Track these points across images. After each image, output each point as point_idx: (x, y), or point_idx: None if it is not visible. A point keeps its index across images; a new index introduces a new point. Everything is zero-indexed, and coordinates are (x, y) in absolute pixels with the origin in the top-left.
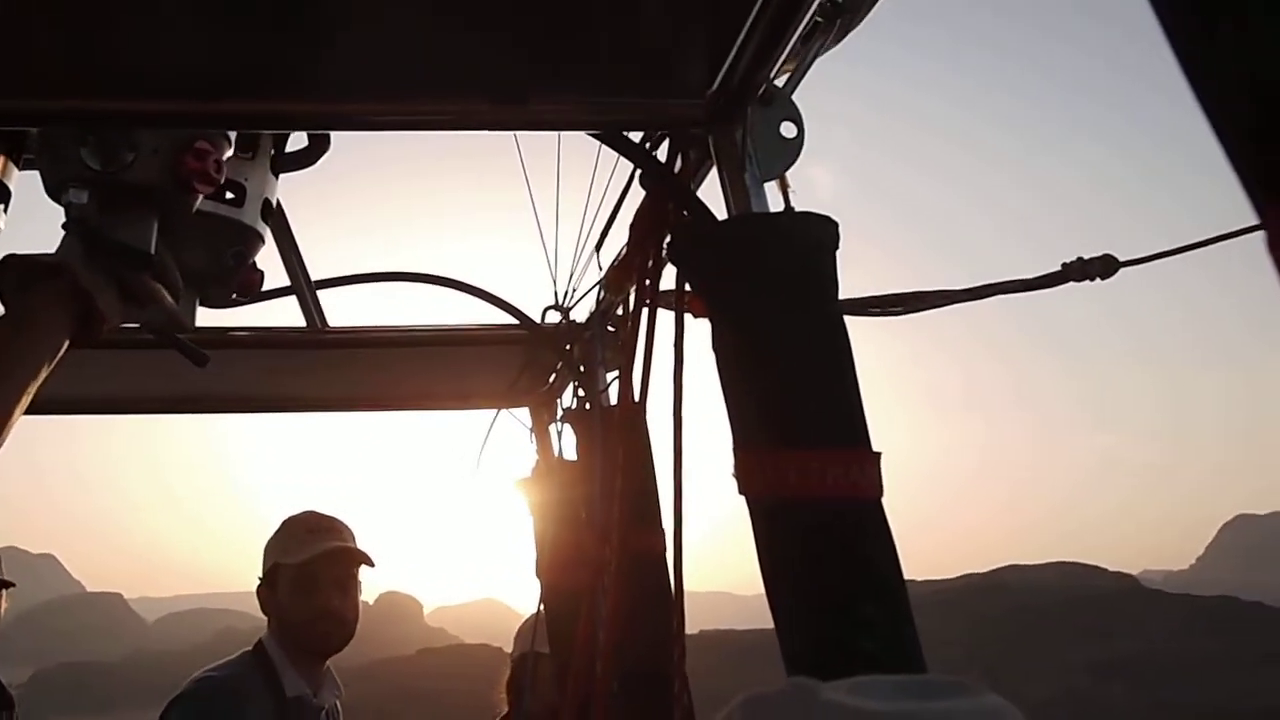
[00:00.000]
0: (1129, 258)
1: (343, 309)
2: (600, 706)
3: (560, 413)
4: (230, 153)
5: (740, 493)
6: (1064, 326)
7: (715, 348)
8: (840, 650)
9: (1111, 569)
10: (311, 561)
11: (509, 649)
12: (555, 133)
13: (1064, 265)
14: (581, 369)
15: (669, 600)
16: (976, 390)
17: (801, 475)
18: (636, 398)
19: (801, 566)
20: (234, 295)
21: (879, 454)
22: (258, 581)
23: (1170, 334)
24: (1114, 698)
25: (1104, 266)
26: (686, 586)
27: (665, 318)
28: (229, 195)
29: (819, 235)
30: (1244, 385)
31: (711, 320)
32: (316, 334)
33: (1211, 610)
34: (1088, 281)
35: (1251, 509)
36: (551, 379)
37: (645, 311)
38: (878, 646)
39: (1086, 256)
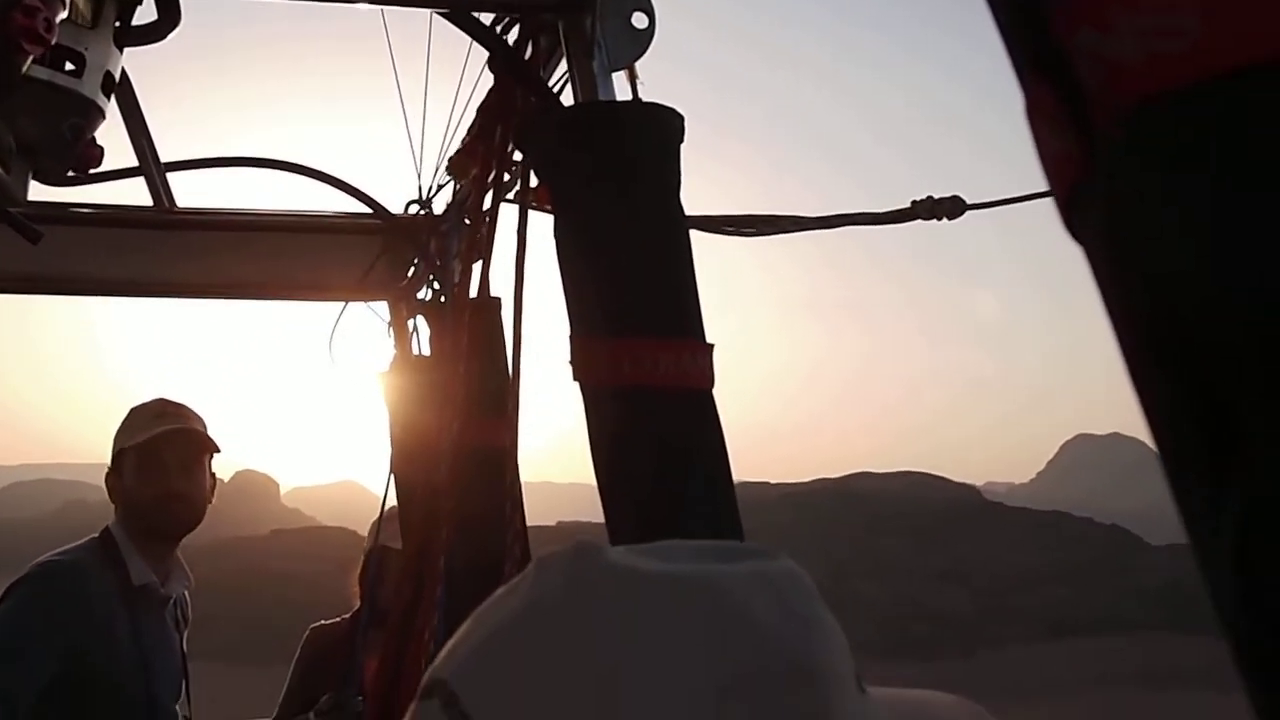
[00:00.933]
0: (976, 201)
1: (198, 194)
2: (430, 600)
3: (417, 307)
4: (64, 14)
5: (575, 379)
6: (954, 247)
7: (556, 236)
8: (663, 531)
9: (957, 480)
10: (154, 441)
11: (365, 533)
12: (417, 11)
13: (914, 203)
14: (438, 262)
15: (515, 492)
16: (858, 302)
17: (634, 364)
18: (489, 290)
19: (630, 452)
20: (71, 171)
21: (711, 346)
22: (107, 470)
23: (1018, 259)
24: (951, 603)
25: (953, 207)
26: (548, 479)
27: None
28: (68, 66)
29: (664, 126)
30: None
31: (554, 207)
32: (163, 214)
33: (1046, 524)
34: (935, 220)
35: (1091, 429)
36: (410, 273)
37: (496, 202)
38: (700, 526)
39: (937, 196)
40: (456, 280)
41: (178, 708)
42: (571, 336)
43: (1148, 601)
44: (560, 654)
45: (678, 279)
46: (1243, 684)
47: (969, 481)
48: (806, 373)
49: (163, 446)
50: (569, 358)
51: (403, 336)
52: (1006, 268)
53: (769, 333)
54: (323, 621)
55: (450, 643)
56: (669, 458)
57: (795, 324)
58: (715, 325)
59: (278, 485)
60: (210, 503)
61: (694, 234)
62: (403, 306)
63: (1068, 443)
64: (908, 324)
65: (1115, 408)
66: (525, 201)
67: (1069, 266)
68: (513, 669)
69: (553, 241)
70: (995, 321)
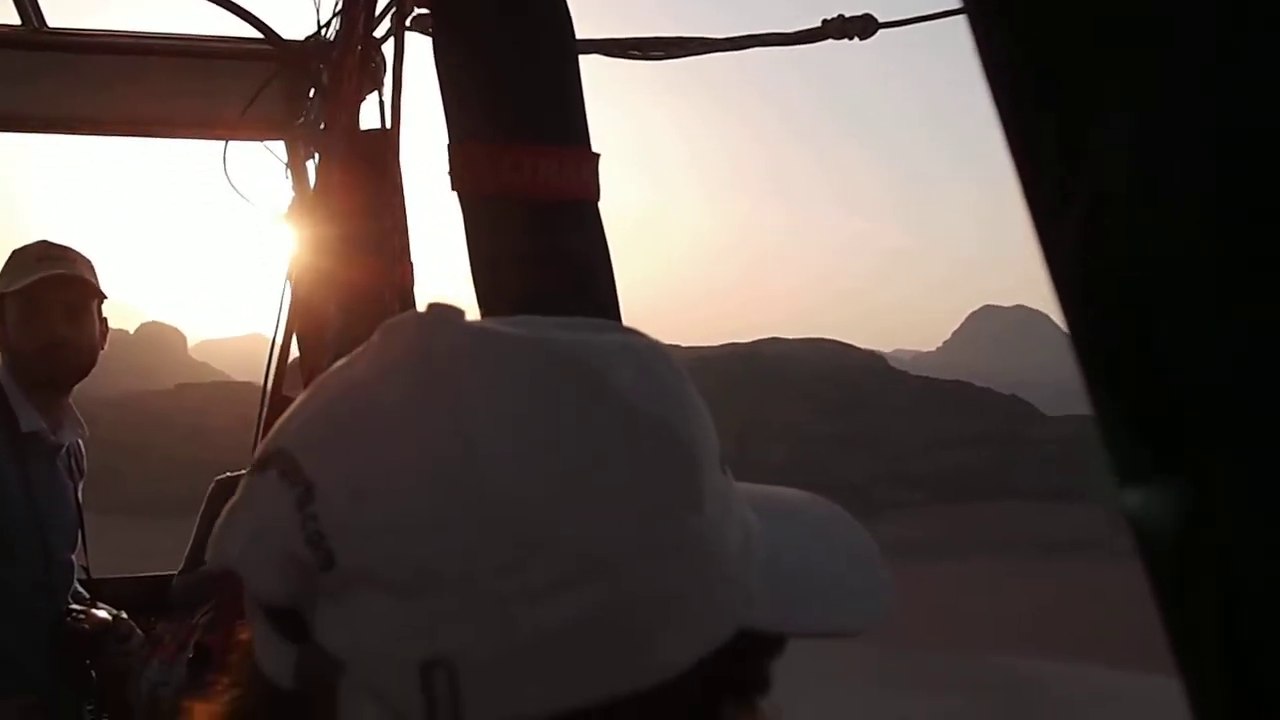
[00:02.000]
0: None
1: (72, 13)
2: None
3: (314, 144)
4: None
5: (453, 189)
6: (874, 118)
7: (436, 50)
8: None
9: (864, 347)
10: (34, 286)
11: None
12: None
13: (824, 22)
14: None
15: None
16: (778, 172)
17: (515, 169)
18: (387, 123)
19: (510, 265)
20: None
21: (597, 155)
22: None
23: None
24: (849, 466)
25: (864, 26)
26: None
27: (421, 41)
28: None
29: None
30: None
31: (435, 22)
32: (32, 34)
33: (948, 393)
34: (847, 40)
35: (998, 301)
36: (308, 111)
37: (394, 28)
38: None
39: (848, 14)
40: (354, 113)
41: (73, 558)
42: (449, 144)
43: (1042, 470)
44: (414, 417)
45: (563, 87)
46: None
47: (876, 349)
48: (725, 241)
49: (45, 292)
50: (447, 167)
51: (300, 177)
52: (926, 141)
53: (688, 201)
54: (229, 474)
55: (285, 415)
56: (550, 270)
57: (716, 193)
58: (633, 192)
59: (184, 338)
60: (102, 349)
61: (607, 74)
62: (299, 145)
63: (974, 313)
64: (826, 194)
65: (1022, 281)
66: (402, 27)
67: (987, 142)
68: (360, 433)
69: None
70: (912, 195)
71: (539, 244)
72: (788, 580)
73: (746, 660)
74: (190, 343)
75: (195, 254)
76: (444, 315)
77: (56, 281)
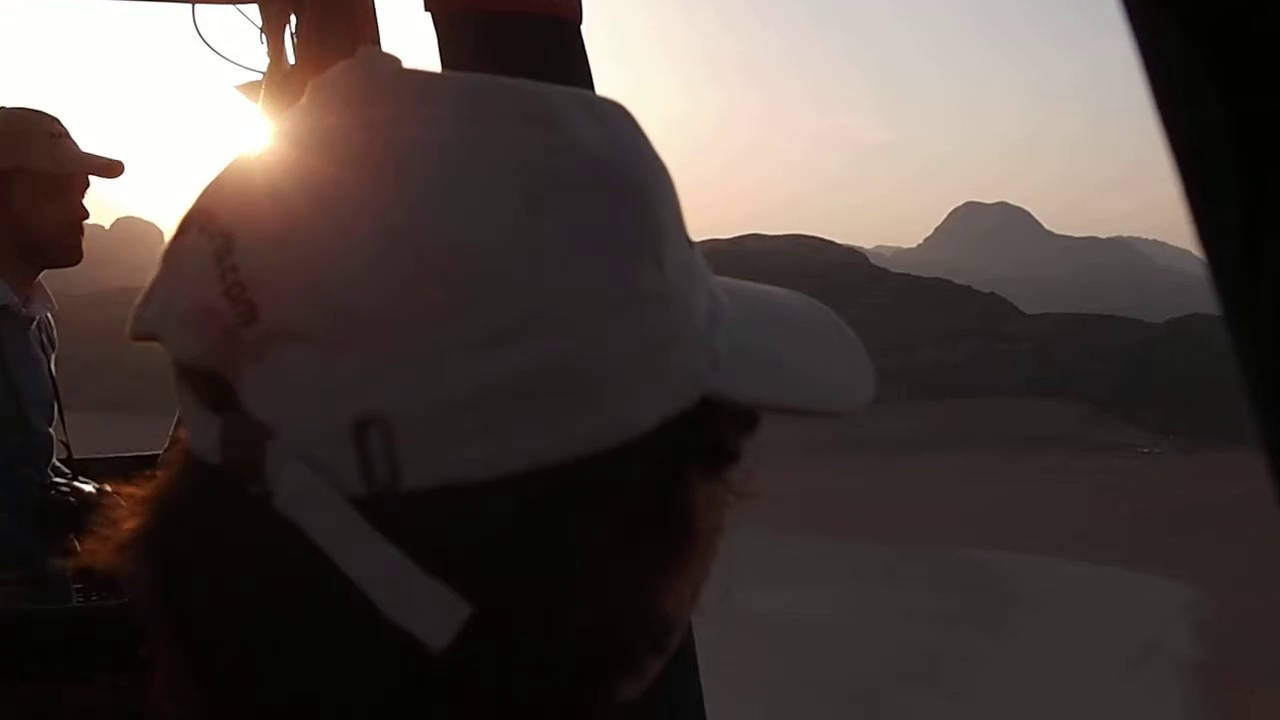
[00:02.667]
0: None
1: None
2: None
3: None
4: None
5: (426, 9)
6: (849, 11)
7: None
8: None
9: (844, 244)
10: (73, 167)
11: None
12: None
13: None
14: None
15: None
16: (755, 64)
17: None
18: None
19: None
20: None
21: None
22: None
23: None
24: None
25: None
26: None
27: None
28: None
29: None
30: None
31: None
32: None
33: (928, 290)
34: None
35: (980, 197)
36: None
37: None
38: None
39: None
40: None
41: (52, 431)
42: None
43: (1020, 366)
44: (341, 157)
45: None
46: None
47: (858, 245)
48: (703, 134)
49: (78, 172)
50: None
51: (277, 44)
52: (904, 35)
53: (665, 91)
54: None
55: (211, 178)
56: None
57: (692, 83)
58: (610, 79)
59: (162, 233)
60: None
61: None
62: (274, 7)
63: (956, 210)
64: (804, 88)
65: (1004, 178)
66: None
67: (967, 34)
68: (282, 177)
69: None
70: (892, 88)
71: (517, 64)
72: (760, 352)
73: (714, 429)
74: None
75: (173, 148)
76: (374, 54)
77: (91, 164)
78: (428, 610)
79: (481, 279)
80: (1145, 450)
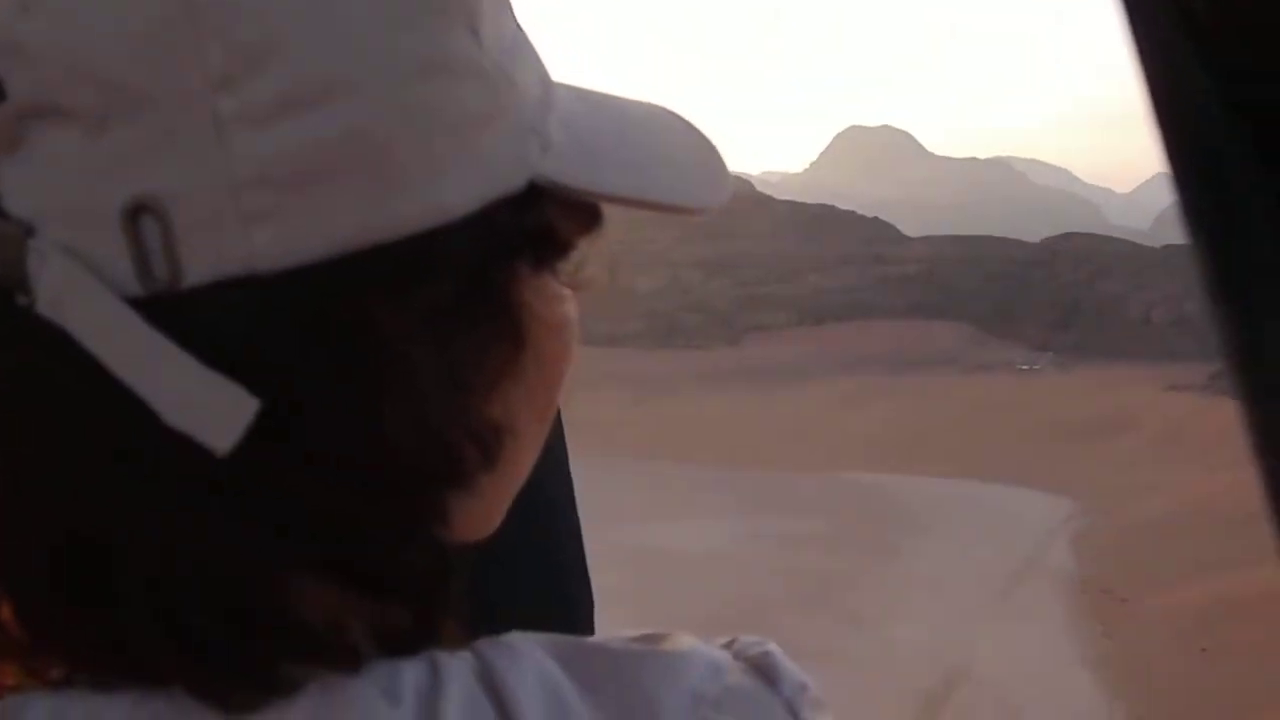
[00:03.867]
0: None
1: None
2: None
3: None
4: None
5: None
6: None
7: None
8: None
9: (731, 171)
10: None
11: None
12: None
13: None
14: None
15: None
16: None
17: None
18: None
19: None
20: None
21: None
22: None
23: None
24: (714, 290)
25: None
26: None
27: None
28: None
29: None
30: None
31: None
32: None
33: (813, 216)
34: None
35: (864, 120)
36: None
37: None
38: None
39: None
40: None
41: None
42: None
43: (902, 290)
44: None
45: None
46: None
47: (746, 171)
48: (590, 53)
49: None
50: None
51: None
52: None
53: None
54: None
55: None
56: None
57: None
58: None
59: None
60: None
61: None
62: None
63: (841, 134)
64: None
65: (885, 100)
66: None
67: None
68: None
69: None
70: (780, 13)
71: None
72: (600, 143)
73: (542, 215)
74: None
75: None
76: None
77: None
78: (211, 409)
79: (265, 41)
80: (1025, 367)
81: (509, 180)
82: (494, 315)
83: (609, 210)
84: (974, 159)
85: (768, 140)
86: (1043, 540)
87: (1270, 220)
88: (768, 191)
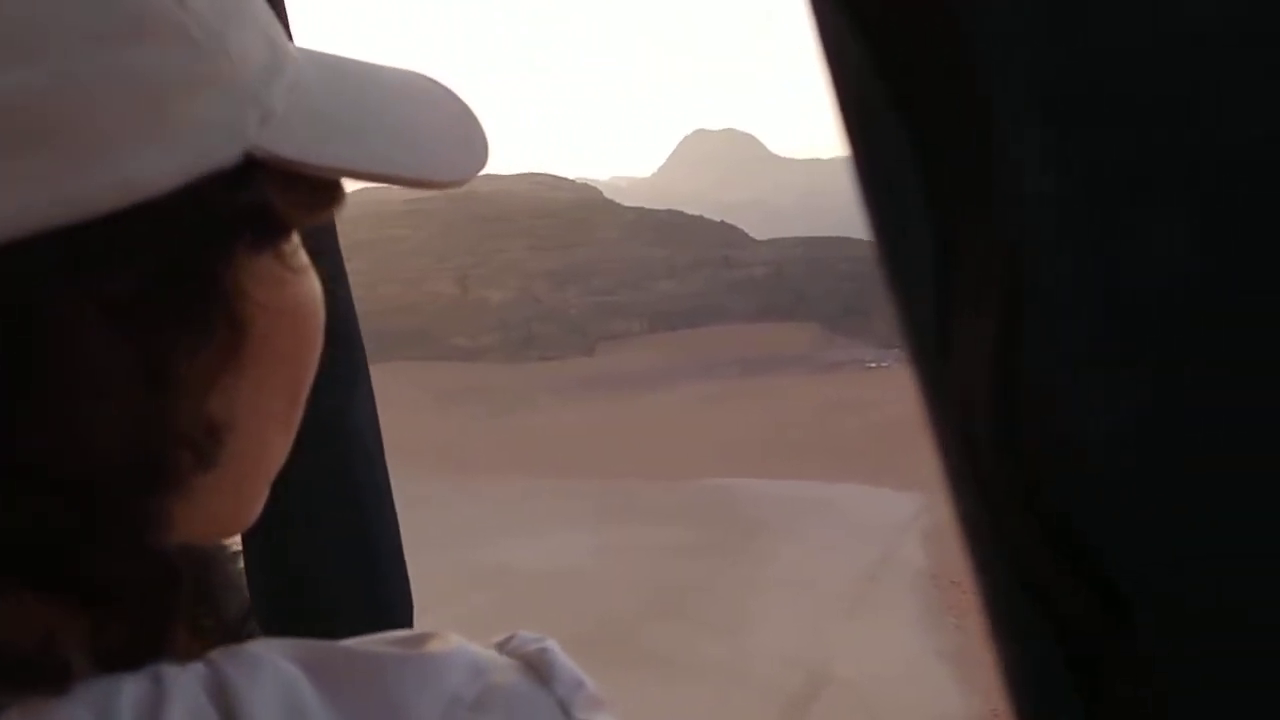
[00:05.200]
0: None
1: None
2: None
3: None
4: None
5: None
6: None
7: None
8: None
9: (578, 180)
10: None
11: None
12: None
13: None
14: None
15: None
16: None
17: None
18: None
19: None
20: None
21: None
22: None
23: None
24: (566, 300)
25: None
26: None
27: None
28: None
29: None
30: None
31: None
32: None
33: (661, 222)
34: None
35: (708, 124)
36: None
37: None
38: None
39: None
40: None
41: None
42: None
43: (752, 293)
44: None
45: None
46: None
47: (592, 178)
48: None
49: None
50: None
51: None
52: None
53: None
54: None
55: None
56: None
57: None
58: None
59: None
60: None
61: None
62: None
63: (687, 138)
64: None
65: (730, 104)
66: None
67: None
68: None
69: None
70: (614, 19)
71: None
72: (335, 114)
73: (261, 193)
74: None
75: None
76: None
77: None
78: None
79: None
80: (872, 365)
81: (220, 154)
82: (203, 304)
83: (457, 221)
84: (817, 159)
85: (615, 146)
86: (895, 537)
87: (928, 218)
88: (617, 198)
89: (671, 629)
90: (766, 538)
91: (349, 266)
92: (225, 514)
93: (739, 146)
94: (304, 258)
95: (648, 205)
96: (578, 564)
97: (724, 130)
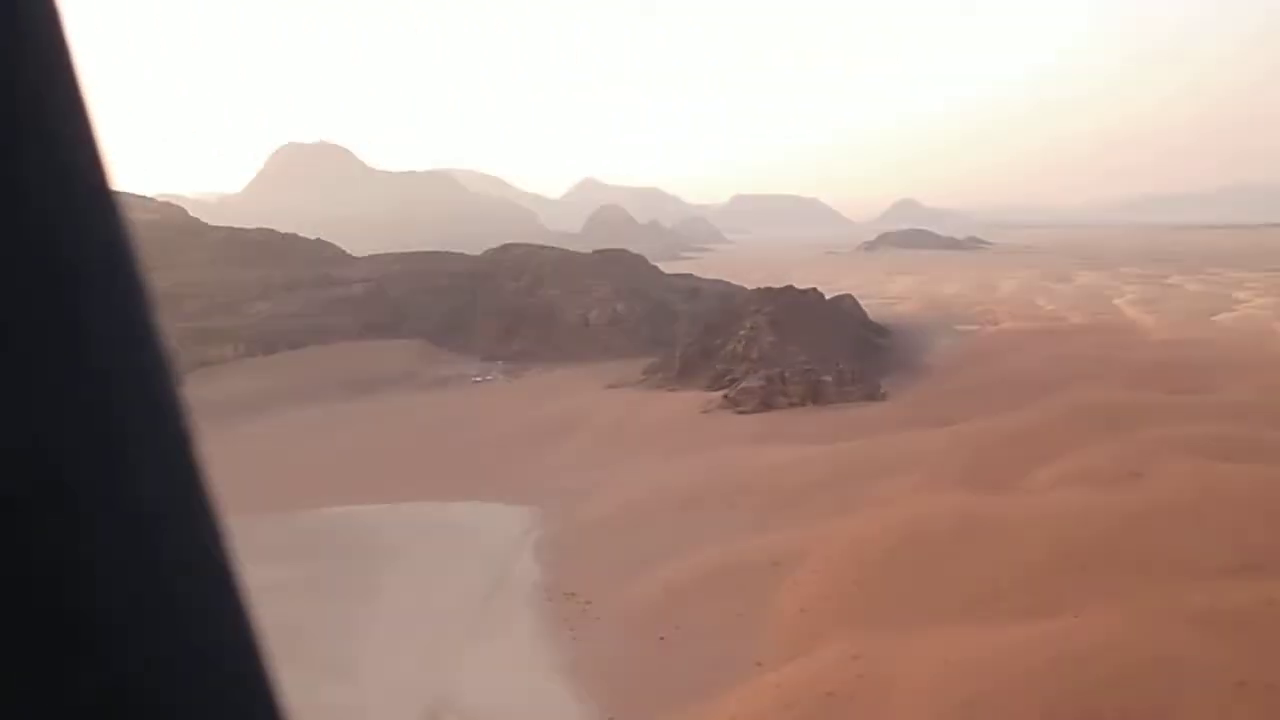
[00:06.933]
0: None
1: None
2: None
3: None
4: None
5: None
6: None
7: None
8: None
9: (160, 199)
10: None
11: None
12: None
13: None
14: None
15: None
16: None
17: None
18: None
19: None
20: None
21: None
22: None
23: None
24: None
25: None
26: None
27: None
28: None
29: None
30: None
31: None
32: None
33: (253, 241)
34: None
35: (300, 138)
36: None
37: None
38: None
39: None
40: None
41: None
42: None
43: (351, 311)
44: None
45: None
46: None
47: (178, 194)
48: None
49: None
50: None
51: None
52: None
53: None
54: None
55: None
56: None
57: None
58: None
59: None
60: None
61: None
62: None
63: (278, 151)
64: None
65: (321, 116)
66: None
67: None
68: None
69: None
70: None
71: None
72: None
73: None
74: None
75: None
76: None
77: None
78: None
79: None
80: (478, 379)
81: None
82: None
83: None
84: (413, 172)
85: (202, 160)
86: (509, 553)
87: None
88: (204, 216)
89: (285, 676)
90: (382, 566)
91: None
92: None
93: (333, 159)
94: None
95: (239, 223)
96: None
97: (317, 143)
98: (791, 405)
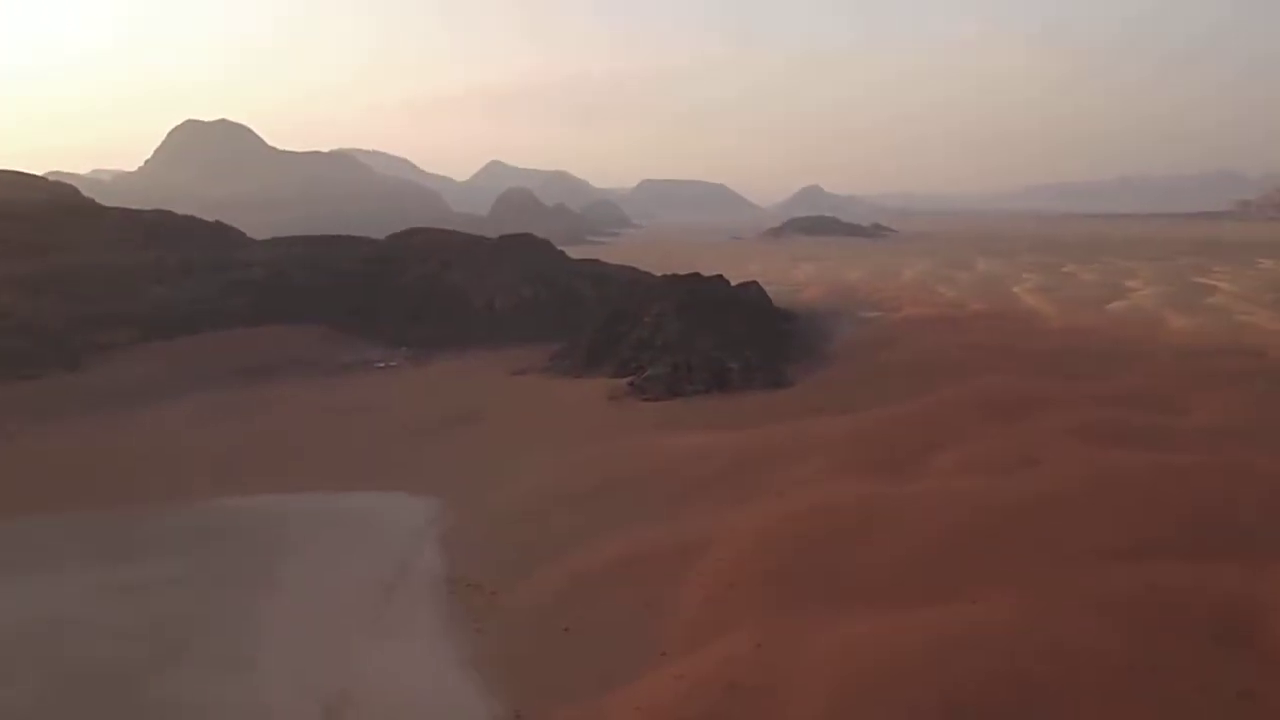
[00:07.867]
0: None
1: None
2: None
3: None
4: None
5: None
6: None
7: None
8: None
9: (51, 177)
10: None
11: None
12: None
13: None
14: None
15: None
16: None
17: None
18: None
19: None
20: None
21: None
22: None
23: None
24: (42, 310)
25: None
26: None
27: None
28: None
29: None
30: None
31: None
32: None
33: (149, 223)
34: None
35: (200, 115)
36: None
37: None
38: None
39: None
40: None
41: None
42: None
43: (251, 295)
44: None
45: None
46: None
47: (73, 172)
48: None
49: None
50: None
51: None
52: None
53: None
54: None
55: None
56: None
57: None
58: None
59: None
60: None
61: None
62: None
63: (176, 129)
64: None
65: (226, 96)
66: None
67: None
68: None
69: None
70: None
71: None
72: None
73: None
74: None
75: None
76: None
77: None
78: None
79: None
80: (382, 365)
81: None
82: None
83: None
84: (317, 152)
85: (98, 137)
86: (412, 544)
87: None
88: (99, 194)
89: (182, 674)
90: (280, 558)
91: None
92: None
93: (233, 138)
94: None
95: (135, 204)
96: (63, 611)
97: (217, 121)
98: (697, 393)
